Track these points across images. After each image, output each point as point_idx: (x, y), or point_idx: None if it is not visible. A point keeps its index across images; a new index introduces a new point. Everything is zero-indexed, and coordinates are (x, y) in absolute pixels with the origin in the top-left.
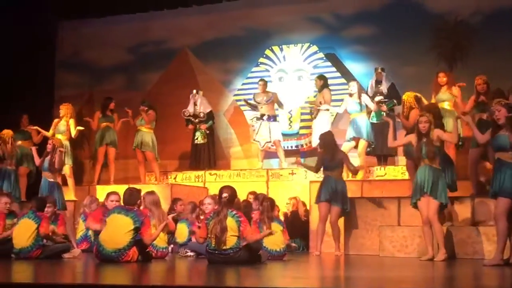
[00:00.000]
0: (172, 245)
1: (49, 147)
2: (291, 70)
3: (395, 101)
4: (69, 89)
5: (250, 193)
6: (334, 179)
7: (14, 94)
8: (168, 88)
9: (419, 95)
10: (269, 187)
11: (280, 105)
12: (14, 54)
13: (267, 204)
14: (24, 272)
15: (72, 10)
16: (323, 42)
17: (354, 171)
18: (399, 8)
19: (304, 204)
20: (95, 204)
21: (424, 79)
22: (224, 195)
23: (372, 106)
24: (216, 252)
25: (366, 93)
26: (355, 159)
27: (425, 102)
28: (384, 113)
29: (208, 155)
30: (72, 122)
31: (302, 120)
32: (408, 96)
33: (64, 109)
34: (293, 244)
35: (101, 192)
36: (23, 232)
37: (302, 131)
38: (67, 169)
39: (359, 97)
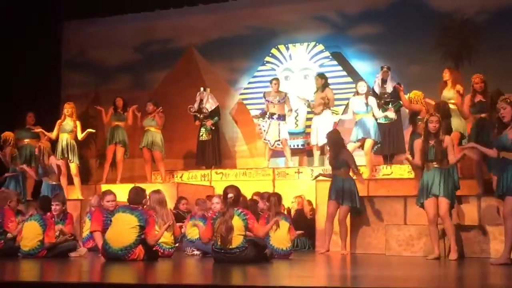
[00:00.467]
0: (177, 244)
1: (36, 150)
2: (297, 69)
3: (401, 102)
4: (75, 88)
5: (255, 194)
6: (341, 178)
7: (20, 93)
8: (174, 87)
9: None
10: (275, 186)
11: (290, 109)
12: (20, 53)
13: (274, 199)
14: (31, 270)
15: (78, 9)
16: (329, 41)
17: (355, 173)
18: (405, 6)
19: (310, 203)
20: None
21: (430, 78)
22: (230, 195)
23: (377, 112)
24: (222, 251)
25: (373, 94)
26: (361, 158)
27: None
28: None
29: (213, 152)
30: (79, 123)
31: (308, 119)
32: (415, 94)
33: (70, 108)
34: (299, 232)
35: None
36: (30, 235)
37: (308, 130)
38: (73, 168)
39: (366, 97)
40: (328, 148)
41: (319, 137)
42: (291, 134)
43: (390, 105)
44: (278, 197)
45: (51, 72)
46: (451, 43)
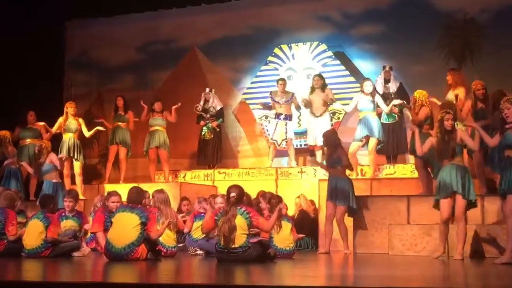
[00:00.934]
0: (181, 244)
1: (36, 148)
2: (300, 69)
3: (405, 102)
4: (78, 88)
5: (260, 193)
6: (335, 177)
7: (23, 93)
8: (177, 87)
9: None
10: (278, 186)
11: (298, 107)
12: (23, 53)
13: (275, 201)
14: (34, 270)
15: (81, 9)
16: (331, 40)
17: (348, 167)
18: (408, 6)
19: (313, 203)
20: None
21: (433, 78)
22: (232, 194)
23: (384, 107)
24: (225, 250)
25: (378, 93)
26: (365, 157)
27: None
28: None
29: (213, 151)
30: (82, 121)
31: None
32: (420, 94)
33: (73, 108)
34: (300, 236)
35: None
36: (32, 233)
37: None
38: (78, 167)
39: (373, 96)
40: (325, 148)
41: (317, 138)
42: (294, 134)
43: (396, 107)
44: (279, 199)
45: (54, 71)
46: (454, 43)
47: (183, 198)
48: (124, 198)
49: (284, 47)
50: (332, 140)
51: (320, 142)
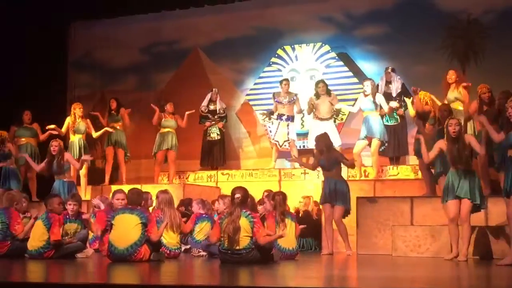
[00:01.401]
0: (187, 246)
1: (55, 149)
2: (303, 70)
3: (403, 103)
4: (82, 89)
5: (266, 191)
6: (333, 180)
7: (27, 94)
8: (180, 88)
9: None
10: (281, 187)
11: (300, 110)
12: (27, 54)
13: (280, 198)
14: (38, 271)
15: (84, 10)
16: (334, 41)
17: (350, 165)
18: (411, 6)
19: (316, 204)
20: (104, 204)
21: (436, 78)
22: (237, 195)
23: (386, 107)
24: (229, 252)
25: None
26: (368, 158)
27: (438, 103)
28: (398, 116)
29: (220, 153)
30: (89, 122)
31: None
32: (424, 95)
33: (81, 109)
34: (302, 226)
35: None
36: (35, 234)
37: None
38: (83, 168)
39: (374, 96)
40: (318, 151)
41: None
42: (297, 135)
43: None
44: (283, 196)
45: (58, 73)
46: (457, 43)
47: (187, 199)
48: None
49: (287, 48)
50: (326, 143)
51: (336, 143)
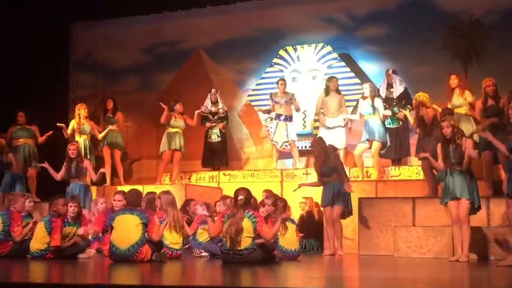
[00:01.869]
0: (185, 246)
1: (74, 152)
2: (305, 70)
3: (409, 106)
4: (83, 90)
5: (265, 191)
6: (334, 183)
7: (28, 94)
8: (182, 89)
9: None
10: (283, 188)
11: (298, 109)
12: (29, 54)
13: (282, 205)
14: (40, 272)
15: (86, 11)
16: (336, 42)
17: (346, 183)
18: (413, 7)
19: (317, 205)
20: (100, 205)
21: (438, 79)
22: (240, 197)
23: (382, 111)
24: (231, 252)
25: (380, 96)
26: (369, 160)
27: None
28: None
29: (220, 154)
30: (93, 123)
31: (316, 120)
32: (424, 97)
33: (86, 110)
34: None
35: None
36: (37, 236)
37: (316, 132)
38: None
39: (372, 99)
40: (316, 159)
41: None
42: (298, 135)
43: (396, 110)
44: (285, 203)
45: (59, 73)
46: (459, 44)
47: (189, 200)
48: None
49: (289, 48)
50: (323, 148)
51: (341, 144)
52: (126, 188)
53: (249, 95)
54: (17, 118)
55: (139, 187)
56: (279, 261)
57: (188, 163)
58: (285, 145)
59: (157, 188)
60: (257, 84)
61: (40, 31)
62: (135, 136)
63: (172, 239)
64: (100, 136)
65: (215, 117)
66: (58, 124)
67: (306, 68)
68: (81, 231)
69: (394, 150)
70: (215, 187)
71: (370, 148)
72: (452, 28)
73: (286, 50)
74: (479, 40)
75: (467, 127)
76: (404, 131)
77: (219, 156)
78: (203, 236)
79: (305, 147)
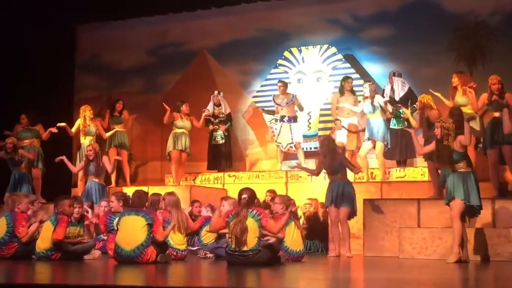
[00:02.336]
0: (195, 248)
1: (91, 154)
2: (309, 72)
3: (415, 105)
4: (89, 91)
5: (269, 191)
6: (340, 182)
7: (34, 96)
8: (187, 90)
9: None
10: (288, 189)
11: (301, 108)
12: (34, 56)
13: (295, 210)
14: (45, 273)
15: (91, 12)
16: (341, 43)
17: (355, 171)
18: (418, 8)
19: (322, 206)
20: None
21: (443, 80)
22: (244, 196)
23: (387, 107)
24: (236, 253)
25: (382, 94)
26: (373, 160)
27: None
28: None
29: (225, 156)
30: (99, 124)
31: (321, 122)
32: (428, 99)
33: (91, 111)
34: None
35: None
36: (43, 235)
37: (321, 133)
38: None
39: (372, 98)
40: (321, 155)
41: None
42: (304, 137)
43: (401, 112)
44: (294, 201)
45: (64, 75)
46: (464, 45)
47: (194, 201)
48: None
49: (294, 50)
50: (330, 147)
51: (353, 145)
52: (131, 189)
53: (254, 97)
54: (20, 121)
55: (144, 188)
56: (284, 262)
57: (193, 164)
58: (290, 146)
59: (162, 190)
60: (262, 86)
61: (45, 33)
62: (139, 138)
63: (177, 240)
64: (107, 135)
65: (217, 120)
66: (58, 124)
67: (311, 69)
68: (92, 219)
69: (399, 151)
70: (220, 188)
71: (374, 148)
72: (457, 29)
73: (291, 52)
74: (484, 41)
75: (474, 125)
76: (409, 133)
77: (224, 158)
78: (208, 238)
79: (311, 148)
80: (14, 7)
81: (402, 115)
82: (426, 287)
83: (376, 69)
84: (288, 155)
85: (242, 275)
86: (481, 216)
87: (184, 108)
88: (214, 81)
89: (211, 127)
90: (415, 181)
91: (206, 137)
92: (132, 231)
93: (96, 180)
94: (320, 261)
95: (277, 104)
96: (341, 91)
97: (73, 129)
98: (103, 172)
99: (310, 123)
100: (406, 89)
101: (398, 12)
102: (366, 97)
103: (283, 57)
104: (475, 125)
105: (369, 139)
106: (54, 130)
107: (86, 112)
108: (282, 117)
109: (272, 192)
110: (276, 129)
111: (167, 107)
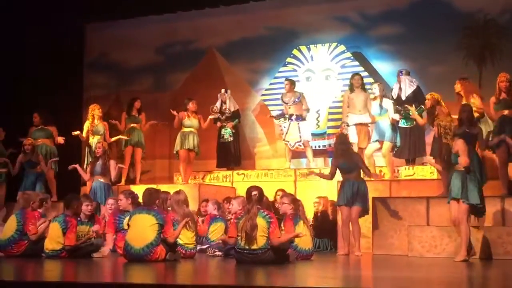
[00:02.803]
0: (201, 246)
1: (99, 151)
2: (318, 70)
3: (422, 106)
4: (97, 90)
5: (279, 190)
6: (354, 181)
7: (42, 95)
8: (195, 89)
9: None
10: (296, 187)
11: (307, 108)
12: (43, 55)
13: (303, 209)
14: (54, 271)
15: (100, 11)
16: (349, 41)
17: (368, 174)
18: (426, 6)
19: (331, 204)
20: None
21: (452, 79)
22: (254, 193)
23: (392, 114)
24: (245, 251)
25: (390, 96)
26: (380, 159)
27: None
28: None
29: (234, 153)
30: (107, 125)
31: (330, 120)
32: (435, 95)
33: (100, 110)
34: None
35: None
36: (51, 236)
37: (330, 131)
38: None
39: (381, 100)
40: (336, 156)
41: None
42: (313, 135)
43: (410, 113)
44: (301, 202)
45: (73, 73)
46: (473, 44)
47: (204, 200)
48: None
49: (303, 48)
50: (345, 145)
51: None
52: (139, 188)
53: (263, 95)
54: (32, 119)
55: (153, 187)
56: (293, 261)
57: (201, 162)
58: (298, 145)
59: (169, 188)
60: (271, 84)
61: (53, 32)
62: (148, 136)
63: (185, 238)
64: (109, 140)
65: (224, 117)
66: (73, 133)
67: (319, 67)
68: (95, 227)
69: (408, 150)
70: (228, 186)
71: (381, 148)
72: (466, 27)
73: (299, 50)
74: (494, 39)
75: (484, 128)
76: (419, 131)
77: (232, 155)
78: (215, 236)
79: (319, 146)
80: (22, 6)
81: (410, 115)
82: (435, 286)
83: (384, 67)
84: (297, 153)
85: (251, 273)
86: (491, 214)
87: (191, 105)
88: (223, 79)
89: (219, 124)
90: (424, 179)
91: (215, 135)
92: (142, 229)
93: (102, 180)
94: (329, 259)
95: (285, 103)
96: (351, 88)
97: (84, 133)
98: (109, 172)
99: (319, 121)
100: (414, 87)
101: (407, 10)
102: (375, 98)
103: (291, 55)
104: (488, 127)
105: (377, 140)
106: (61, 141)
107: (95, 111)
108: (290, 115)
109: (283, 191)
110: (284, 127)
111: (174, 112)
